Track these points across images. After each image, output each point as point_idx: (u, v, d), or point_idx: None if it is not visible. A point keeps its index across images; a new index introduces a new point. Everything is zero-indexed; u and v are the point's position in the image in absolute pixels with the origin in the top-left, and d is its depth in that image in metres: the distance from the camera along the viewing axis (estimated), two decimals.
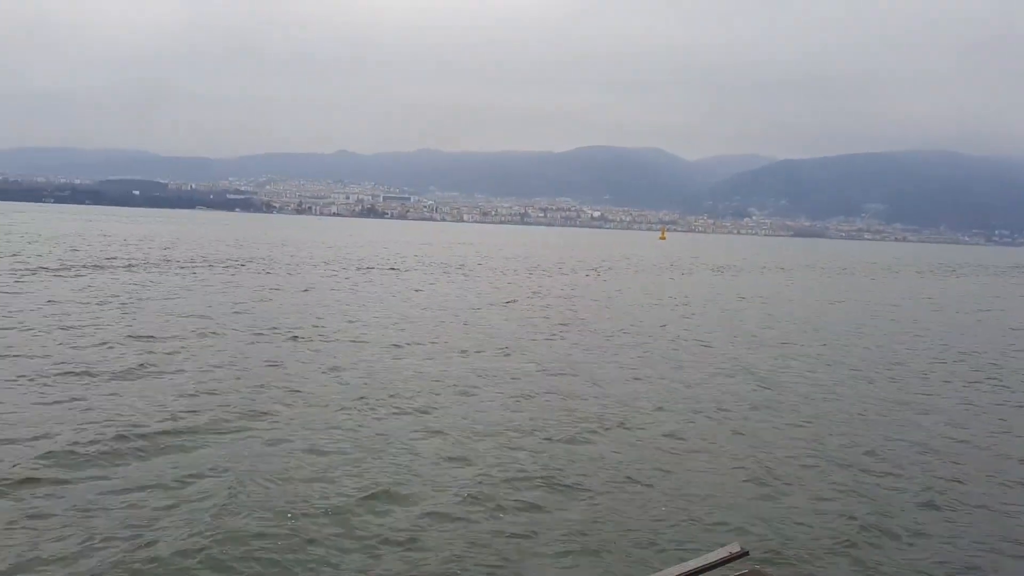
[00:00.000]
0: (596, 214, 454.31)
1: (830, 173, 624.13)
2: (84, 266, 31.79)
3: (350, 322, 20.16)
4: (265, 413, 10.75)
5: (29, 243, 45.91)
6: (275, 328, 18.15)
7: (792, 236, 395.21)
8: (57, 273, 28.18)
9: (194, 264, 36.64)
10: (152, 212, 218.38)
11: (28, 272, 27.95)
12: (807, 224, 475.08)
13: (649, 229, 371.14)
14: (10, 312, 18.47)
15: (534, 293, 31.23)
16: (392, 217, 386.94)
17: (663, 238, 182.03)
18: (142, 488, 7.75)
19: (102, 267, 31.92)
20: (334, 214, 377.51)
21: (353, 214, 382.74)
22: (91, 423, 9.72)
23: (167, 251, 46.46)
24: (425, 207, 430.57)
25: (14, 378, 11.87)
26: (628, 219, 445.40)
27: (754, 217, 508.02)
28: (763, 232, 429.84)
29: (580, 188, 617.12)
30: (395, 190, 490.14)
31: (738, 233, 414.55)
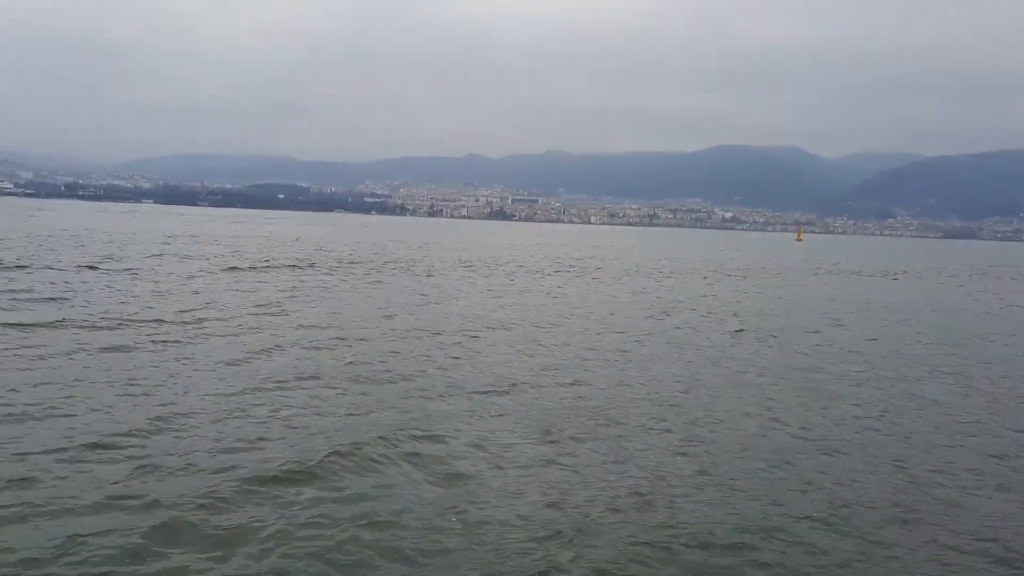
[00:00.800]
0: (727, 215, 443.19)
1: (984, 171, 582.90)
2: (281, 266, 34.34)
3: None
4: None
5: (212, 244, 49.75)
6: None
7: (942, 237, 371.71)
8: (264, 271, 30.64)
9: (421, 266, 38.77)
10: (298, 215, 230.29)
11: (223, 270, 30.81)
12: (958, 225, 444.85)
13: (784, 230, 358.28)
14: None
15: (704, 296, 31.54)
16: (520, 219, 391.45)
17: (799, 240, 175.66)
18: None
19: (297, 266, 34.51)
20: (464, 216, 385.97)
21: (482, 216, 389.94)
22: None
23: (353, 252, 49.74)
24: (552, 209, 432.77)
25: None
26: (761, 220, 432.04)
27: (899, 217, 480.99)
28: (909, 233, 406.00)
29: (711, 189, 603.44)
30: (523, 192, 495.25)
31: (881, 234, 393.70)
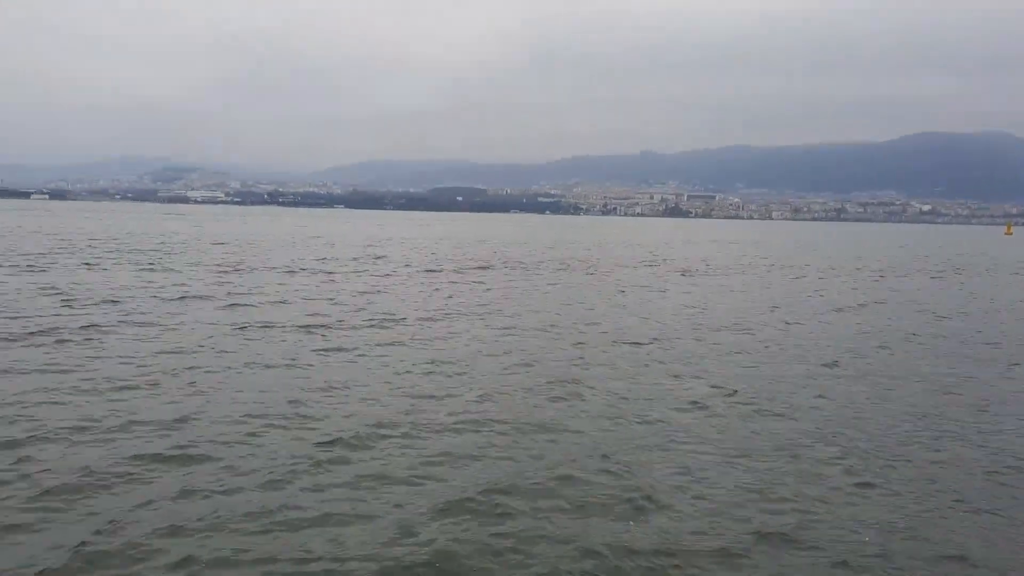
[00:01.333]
0: (925, 208, 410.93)
1: None
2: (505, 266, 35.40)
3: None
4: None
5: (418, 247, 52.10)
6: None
7: None
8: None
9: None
10: (476, 216, 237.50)
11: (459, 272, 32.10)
12: None
13: (991, 223, 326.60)
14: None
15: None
16: (696, 216, 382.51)
17: (1008, 233, 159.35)
18: None
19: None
20: (638, 214, 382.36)
21: (656, 213, 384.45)
22: None
23: (550, 250, 50.67)
24: (731, 205, 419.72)
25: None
26: (965, 213, 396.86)
27: None
28: None
29: (906, 180, 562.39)
30: (699, 188, 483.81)
31: None
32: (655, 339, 16.70)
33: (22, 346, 13.35)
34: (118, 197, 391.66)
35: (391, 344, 14.95)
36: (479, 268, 35.04)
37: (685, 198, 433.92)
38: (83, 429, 8.89)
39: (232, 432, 9.04)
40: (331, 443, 8.73)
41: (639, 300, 24.70)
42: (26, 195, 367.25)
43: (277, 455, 8.36)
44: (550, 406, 10.79)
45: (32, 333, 14.47)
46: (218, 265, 31.53)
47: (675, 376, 13.01)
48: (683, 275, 35.03)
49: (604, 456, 8.68)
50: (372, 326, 17.07)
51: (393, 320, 18.10)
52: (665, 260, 46.09)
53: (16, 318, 16.21)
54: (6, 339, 13.84)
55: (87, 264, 29.96)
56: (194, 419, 9.46)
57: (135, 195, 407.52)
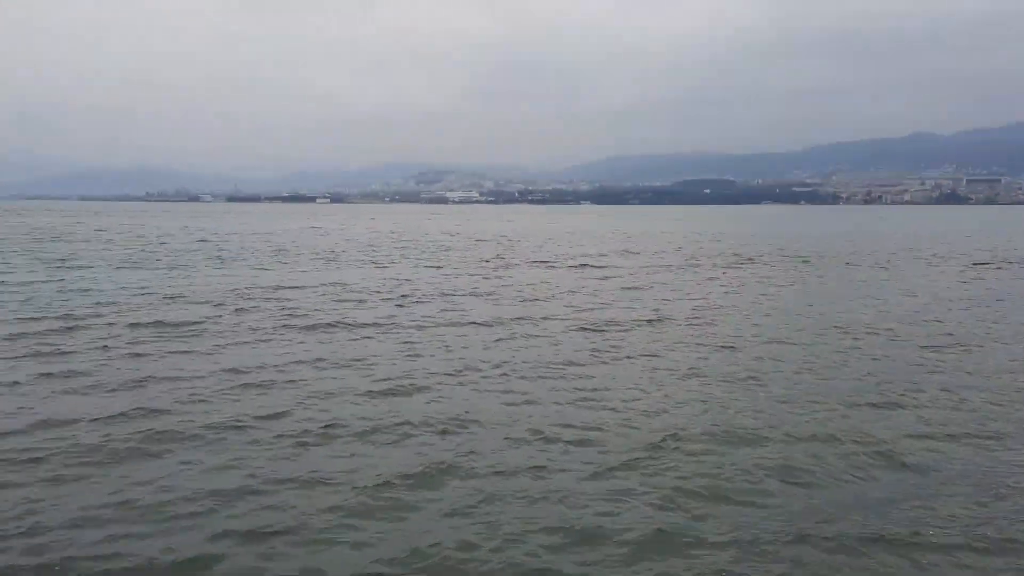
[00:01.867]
0: None
1: None
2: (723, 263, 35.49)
3: None
4: None
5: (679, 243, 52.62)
6: None
7: None
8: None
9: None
10: (727, 209, 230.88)
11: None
12: None
13: None
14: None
15: None
16: (976, 203, 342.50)
17: None
18: None
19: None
20: (906, 202, 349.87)
21: (929, 201, 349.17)
22: None
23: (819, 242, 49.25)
24: (1019, 190, 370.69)
25: None
26: None
27: None
28: None
29: None
30: (981, 172, 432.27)
31: None
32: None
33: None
34: (387, 199, 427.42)
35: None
36: (741, 262, 34.46)
37: (964, 183, 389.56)
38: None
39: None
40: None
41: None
42: (311, 199, 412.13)
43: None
44: None
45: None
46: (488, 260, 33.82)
47: None
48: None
49: None
50: (644, 323, 17.70)
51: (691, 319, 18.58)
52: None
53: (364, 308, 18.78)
54: (451, 324, 16.20)
55: (374, 262, 33.52)
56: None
57: (401, 197, 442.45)
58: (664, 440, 8.71)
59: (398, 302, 19.92)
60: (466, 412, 9.73)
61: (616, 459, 8.13)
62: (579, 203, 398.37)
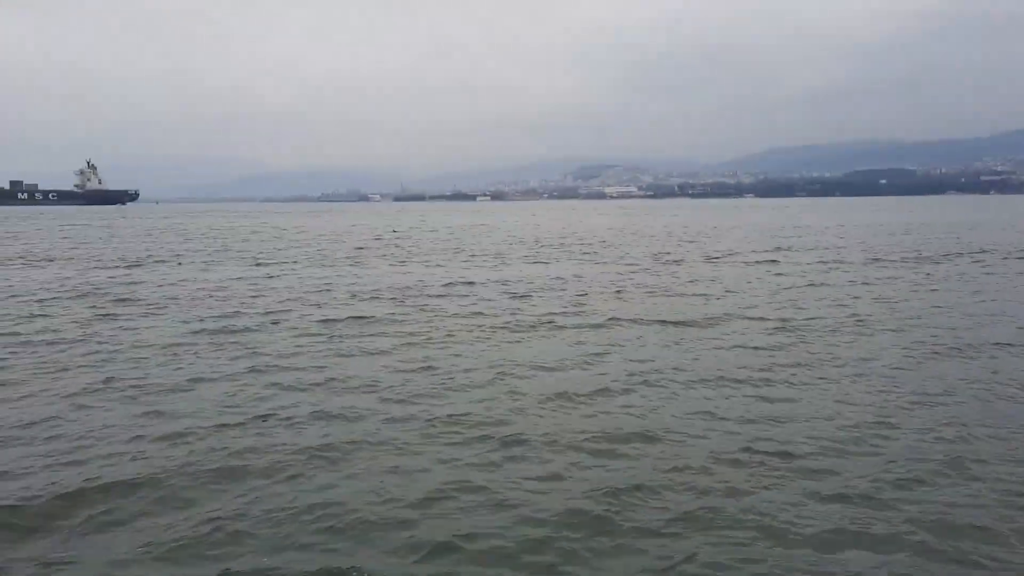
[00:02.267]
0: None
1: None
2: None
3: None
4: None
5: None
6: None
7: None
8: None
9: None
10: (904, 200, 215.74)
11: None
12: None
13: None
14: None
15: None
16: None
17: None
18: None
19: None
20: None
21: None
22: None
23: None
24: None
25: None
26: None
27: None
28: None
29: None
30: None
31: None
32: None
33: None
34: (545, 196, 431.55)
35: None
36: (921, 259, 31.74)
37: None
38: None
39: None
40: None
41: None
42: (472, 197, 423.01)
43: None
44: None
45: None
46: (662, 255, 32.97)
47: None
48: None
49: None
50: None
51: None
52: None
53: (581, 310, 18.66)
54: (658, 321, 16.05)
55: (531, 259, 33.45)
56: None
57: (559, 193, 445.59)
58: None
59: (571, 299, 19.50)
60: (658, 426, 9.09)
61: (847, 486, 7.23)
62: (742, 196, 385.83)
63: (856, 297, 19.69)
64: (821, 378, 11.11)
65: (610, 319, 16.23)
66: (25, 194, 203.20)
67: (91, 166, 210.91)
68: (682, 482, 7.26)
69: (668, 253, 34.95)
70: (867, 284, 22.58)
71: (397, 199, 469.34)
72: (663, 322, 15.81)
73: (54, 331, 14.95)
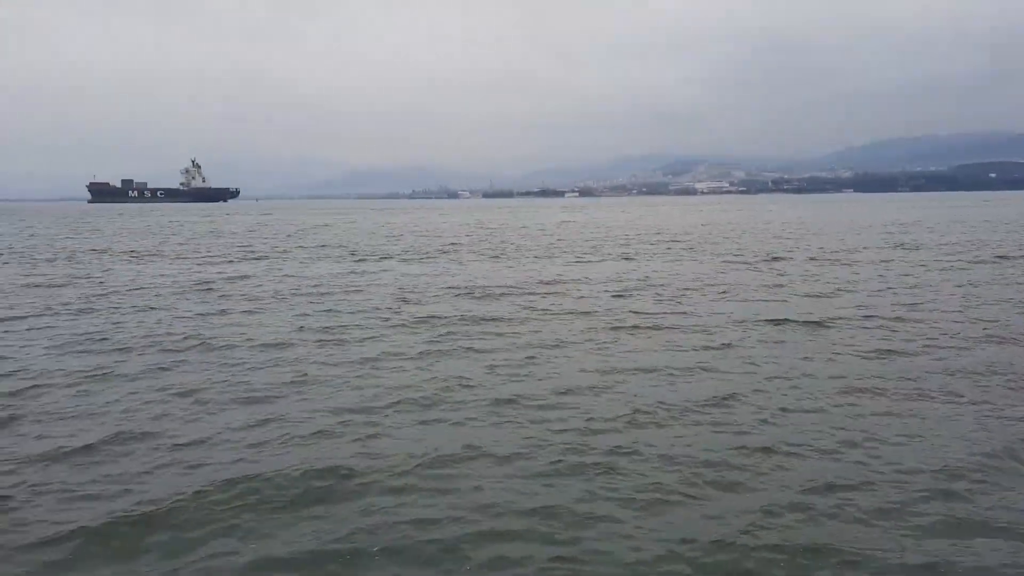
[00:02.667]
0: None
1: None
2: None
3: None
4: None
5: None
6: None
7: None
8: None
9: None
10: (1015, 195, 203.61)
11: None
12: None
13: None
14: None
15: None
16: None
17: None
18: None
19: None
20: None
21: None
22: None
23: None
24: None
25: None
26: None
27: None
28: None
29: None
30: None
31: None
32: None
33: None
34: (634, 192, 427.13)
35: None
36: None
37: None
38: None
39: None
40: None
41: None
42: (560, 194, 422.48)
43: None
44: None
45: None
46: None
47: None
48: None
49: None
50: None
51: None
52: None
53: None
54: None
55: (621, 256, 32.78)
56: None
57: (648, 189, 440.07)
58: None
59: (673, 298, 18.89)
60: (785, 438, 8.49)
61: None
62: (839, 191, 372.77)
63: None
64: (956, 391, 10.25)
65: (717, 318, 15.61)
66: (135, 191, 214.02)
67: (196, 165, 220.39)
68: (825, 510, 6.70)
69: (772, 250, 33.72)
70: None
71: (486, 195, 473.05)
72: (775, 322, 15.09)
73: (166, 329, 15.30)
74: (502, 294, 19.79)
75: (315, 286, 21.85)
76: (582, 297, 19.35)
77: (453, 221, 76.31)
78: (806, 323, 15.09)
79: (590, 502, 6.72)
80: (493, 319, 15.87)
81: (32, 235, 52.87)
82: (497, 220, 77.84)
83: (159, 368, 11.67)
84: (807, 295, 19.43)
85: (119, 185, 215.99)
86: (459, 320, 15.72)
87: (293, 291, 20.71)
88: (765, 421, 8.93)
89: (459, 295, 19.71)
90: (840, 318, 15.67)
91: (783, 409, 9.38)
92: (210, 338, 13.91)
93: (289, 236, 49.52)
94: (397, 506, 6.69)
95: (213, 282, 23.07)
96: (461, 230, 56.62)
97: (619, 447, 8.06)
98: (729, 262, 28.71)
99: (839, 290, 20.27)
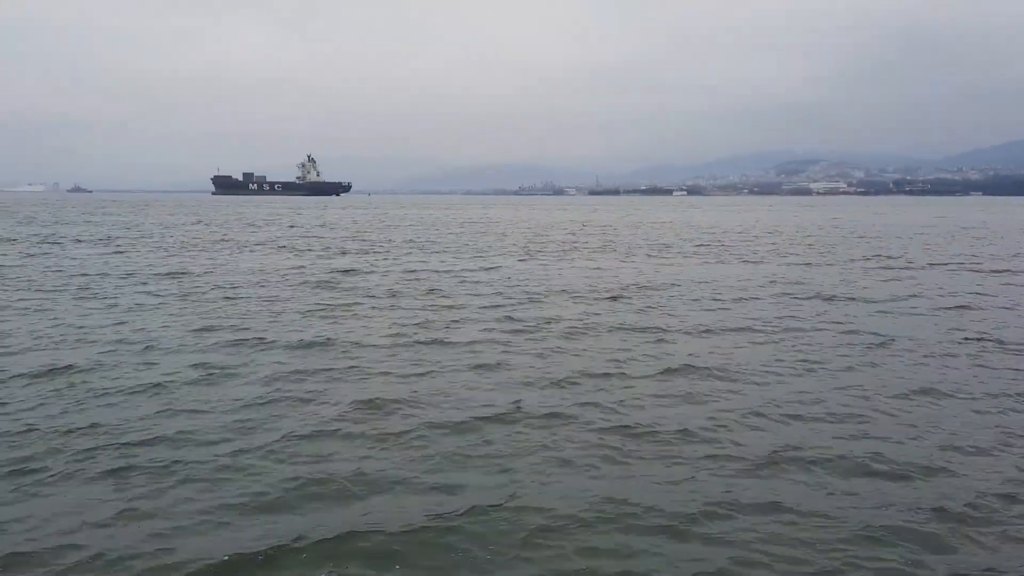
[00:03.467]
0: None
1: None
2: None
3: None
4: None
5: None
6: None
7: None
8: None
9: None
10: None
11: None
12: None
13: None
14: None
15: None
16: None
17: None
18: None
19: None
20: None
21: None
22: None
23: None
24: None
25: None
26: None
27: None
28: None
29: None
30: None
31: None
32: None
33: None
34: (745, 191, 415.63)
35: None
36: None
37: None
38: None
39: None
40: None
41: None
42: (668, 192, 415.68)
43: None
44: None
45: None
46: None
47: None
48: None
49: None
50: None
51: None
52: None
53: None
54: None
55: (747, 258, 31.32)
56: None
57: (760, 188, 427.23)
58: None
59: (814, 305, 17.64)
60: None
61: None
62: (967, 194, 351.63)
63: None
64: None
65: (872, 336, 14.37)
66: (255, 185, 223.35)
67: (311, 160, 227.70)
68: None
69: (897, 256, 31.55)
70: None
71: (592, 193, 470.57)
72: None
73: (294, 327, 15.26)
74: (623, 294, 18.99)
75: (427, 281, 21.66)
76: (706, 298, 18.34)
77: (565, 219, 75.67)
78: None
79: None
80: (618, 328, 15.13)
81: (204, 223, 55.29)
82: (604, 218, 76.69)
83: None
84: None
85: (240, 178, 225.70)
86: (578, 321, 15.04)
87: (406, 286, 20.55)
88: None
89: (581, 295, 19.07)
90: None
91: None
92: (331, 336, 13.75)
93: (396, 227, 50.01)
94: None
95: (326, 276, 23.21)
96: (569, 227, 55.88)
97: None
98: (862, 266, 26.97)
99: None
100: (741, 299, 18.53)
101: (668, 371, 11.08)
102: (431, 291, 19.59)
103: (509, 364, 11.45)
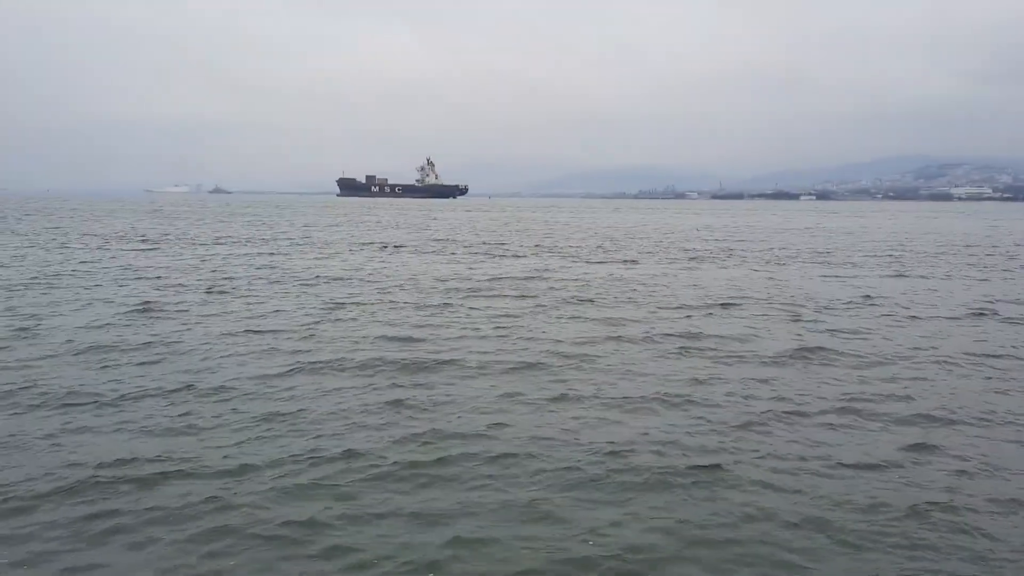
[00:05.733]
0: None
1: None
2: None
3: None
4: None
5: None
6: None
7: None
8: None
9: None
10: None
11: None
12: None
13: None
14: None
15: None
16: None
17: None
18: None
19: None
20: None
21: None
22: None
23: None
24: None
25: None
26: None
27: None
28: None
29: None
30: None
31: None
32: None
33: None
34: (879, 196, 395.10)
35: None
36: None
37: None
38: None
39: None
40: None
41: None
42: (795, 197, 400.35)
43: None
44: None
45: None
46: None
47: None
48: None
49: None
50: None
51: None
52: None
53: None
54: None
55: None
56: None
57: (896, 194, 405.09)
58: None
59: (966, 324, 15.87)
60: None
61: None
62: None
63: None
64: None
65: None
66: (376, 187, 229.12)
67: (430, 163, 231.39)
68: None
69: None
70: None
71: (715, 197, 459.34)
72: None
73: (409, 325, 14.92)
74: (764, 306, 17.70)
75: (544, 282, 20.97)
76: (861, 318, 16.82)
77: (689, 223, 73.55)
78: None
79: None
80: (750, 337, 13.95)
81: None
82: (726, 222, 73.88)
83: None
84: None
85: (363, 180, 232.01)
86: (715, 337, 13.95)
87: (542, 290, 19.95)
88: None
89: (716, 306, 17.91)
90: None
91: None
92: (447, 339, 13.24)
93: (521, 231, 49.69)
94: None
95: (450, 278, 22.87)
96: (693, 233, 54.03)
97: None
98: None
99: None
100: None
101: None
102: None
103: None
